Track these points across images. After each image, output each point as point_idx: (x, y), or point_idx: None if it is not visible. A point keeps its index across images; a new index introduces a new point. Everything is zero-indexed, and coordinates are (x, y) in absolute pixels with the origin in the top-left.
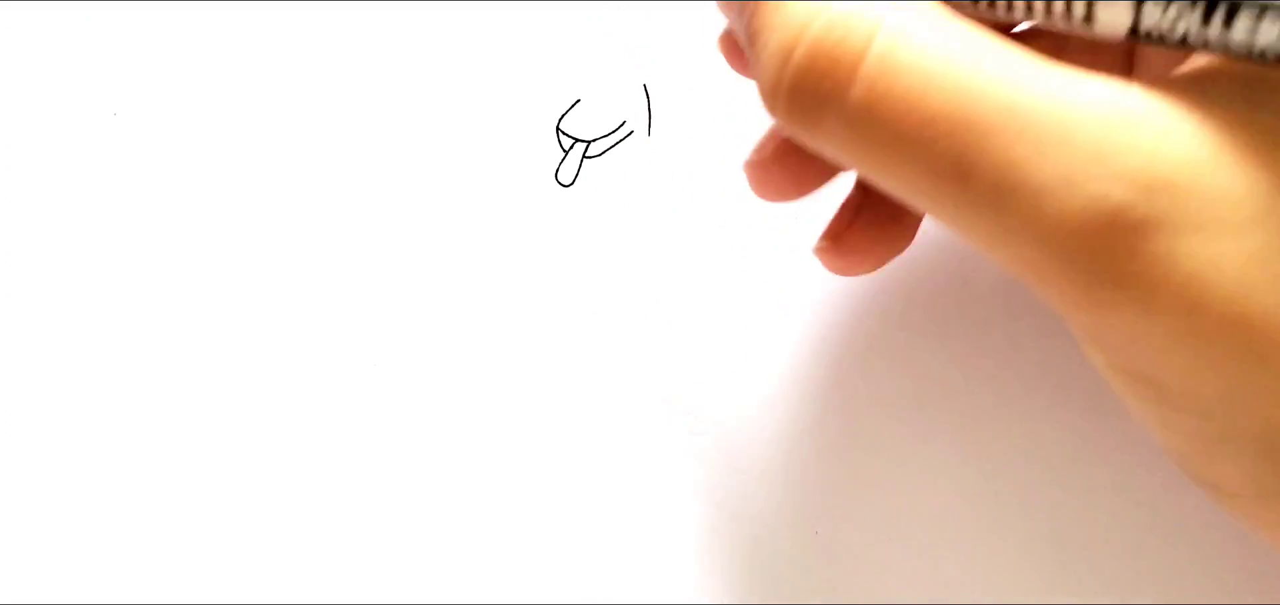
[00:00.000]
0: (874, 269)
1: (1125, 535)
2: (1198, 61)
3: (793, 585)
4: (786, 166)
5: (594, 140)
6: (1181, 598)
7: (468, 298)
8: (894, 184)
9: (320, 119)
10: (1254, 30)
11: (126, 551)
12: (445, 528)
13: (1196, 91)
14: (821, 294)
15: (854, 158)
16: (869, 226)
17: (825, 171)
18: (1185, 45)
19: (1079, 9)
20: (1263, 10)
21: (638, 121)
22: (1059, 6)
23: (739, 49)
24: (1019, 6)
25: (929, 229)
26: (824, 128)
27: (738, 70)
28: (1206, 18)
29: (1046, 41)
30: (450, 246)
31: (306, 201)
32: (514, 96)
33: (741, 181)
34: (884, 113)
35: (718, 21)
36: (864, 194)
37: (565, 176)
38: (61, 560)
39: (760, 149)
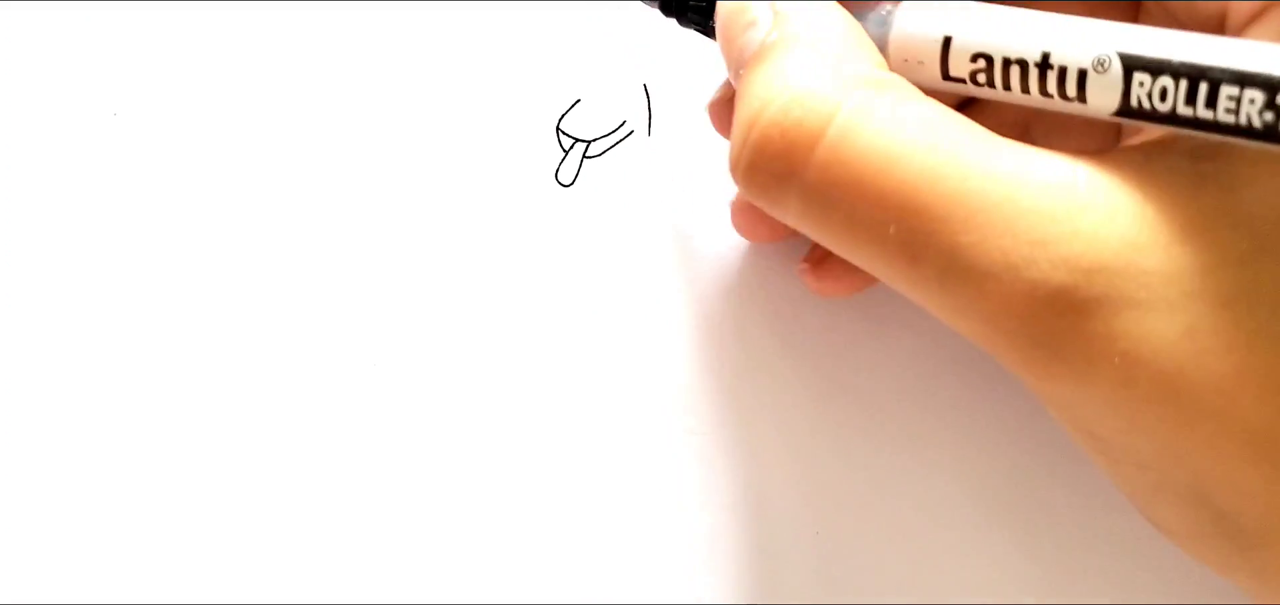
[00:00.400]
0: (853, 292)
1: (1125, 535)
2: (1153, 131)
3: (793, 585)
4: (755, 214)
5: (594, 140)
6: (1182, 598)
7: (468, 298)
8: (849, 257)
9: (320, 119)
10: (1237, 102)
11: (126, 551)
12: (445, 528)
13: (1143, 167)
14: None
15: (809, 231)
16: None
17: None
18: (1174, 120)
19: (1072, 88)
20: (1243, 83)
21: (638, 121)
22: (1053, 85)
23: (735, 212)
24: (1013, 87)
25: None
26: (781, 202)
27: (746, 235)
28: (1191, 94)
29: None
30: (450, 246)
31: (307, 201)
32: (514, 96)
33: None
34: (837, 195)
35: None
36: None
37: (565, 176)
38: (61, 560)
39: (737, 196)
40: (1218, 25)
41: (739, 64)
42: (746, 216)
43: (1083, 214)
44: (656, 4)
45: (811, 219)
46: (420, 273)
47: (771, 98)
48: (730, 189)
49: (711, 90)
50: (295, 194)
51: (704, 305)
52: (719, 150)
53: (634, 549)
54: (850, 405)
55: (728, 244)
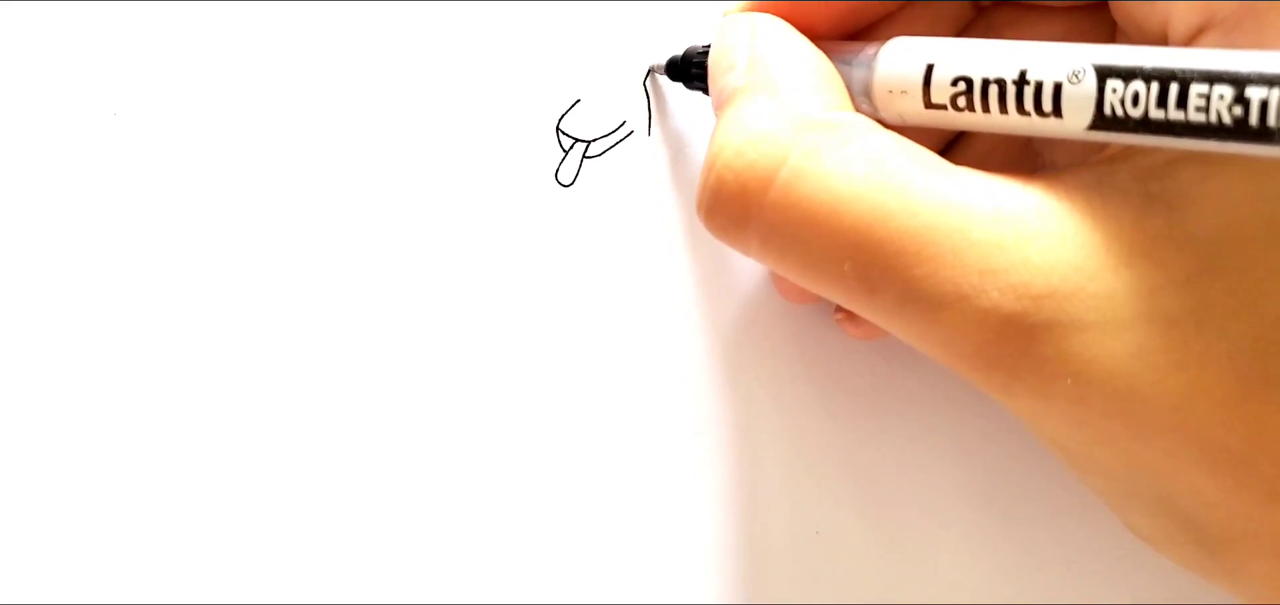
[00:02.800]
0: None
1: (1126, 536)
2: (1106, 149)
3: (793, 585)
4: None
5: (594, 140)
6: (1182, 597)
7: (468, 298)
8: (811, 289)
9: (320, 119)
10: (1207, 100)
11: (127, 551)
12: (447, 528)
13: (1093, 189)
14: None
15: (771, 267)
16: None
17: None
18: (1146, 126)
19: (1047, 103)
20: (1212, 80)
21: (638, 121)
22: (1030, 102)
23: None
24: (992, 108)
25: None
26: (742, 241)
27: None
28: (1162, 95)
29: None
30: (450, 246)
31: (307, 202)
32: (514, 96)
33: None
34: (791, 234)
35: (717, 21)
36: None
37: (565, 176)
38: (62, 560)
39: None
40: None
41: (717, 109)
42: (784, 287)
43: (1031, 242)
44: (664, 72)
45: (771, 256)
46: (421, 273)
47: (727, 142)
48: None
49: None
50: (295, 194)
51: (704, 305)
52: None
53: (634, 549)
54: (852, 404)
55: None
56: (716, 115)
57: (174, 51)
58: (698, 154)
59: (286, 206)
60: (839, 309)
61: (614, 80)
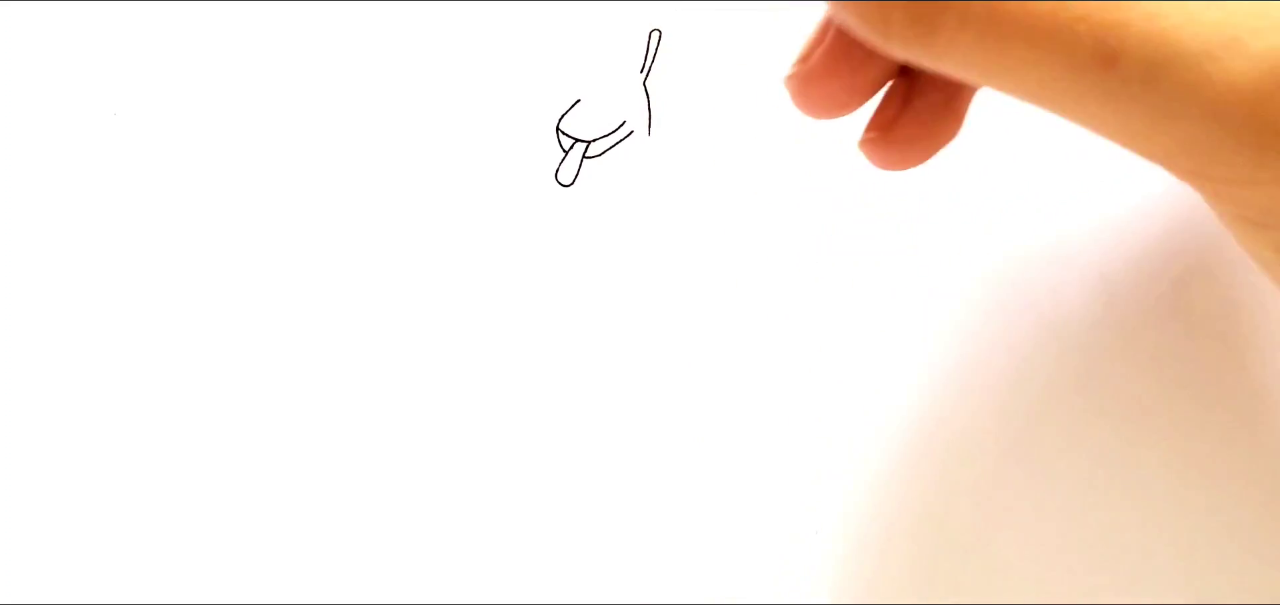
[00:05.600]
0: (923, 161)
1: (1125, 536)
2: None
3: (794, 585)
4: (837, 75)
5: (594, 140)
6: (1182, 597)
7: (468, 297)
8: (1027, 86)
9: (320, 119)
10: None
11: (127, 551)
12: (447, 528)
13: None
14: (822, 292)
15: (982, 68)
16: (919, 114)
17: (876, 80)
18: None
19: None
20: None
21: (638, 121)
22: None
23: (804, 81)
24: None
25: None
26: (943, 42)
27: (804, 108)
28: None
29: None
30: (450, 246)
31: (307, 201)
32: (514, 96)
33: (741, 180)
34: (1012, 11)
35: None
36: (912, 81)
37: (565, 176)
38: (62, 560)
39: (804, 58)
40: None
41: None
42: (818, 85)
43: None
44: None
45: (983, 53)
46: (421, 272)
47: None
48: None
49: (711, 90)
50: (295, 194)
51: (704, 305)
52: (719, 150)
53: (633, 548)
54: (851, 404)
55: (728, 244)
56: None
57: (174, 51)
58: (698, 155)
59: (287, 206)
60: (870, 128)
61: (614, 80)
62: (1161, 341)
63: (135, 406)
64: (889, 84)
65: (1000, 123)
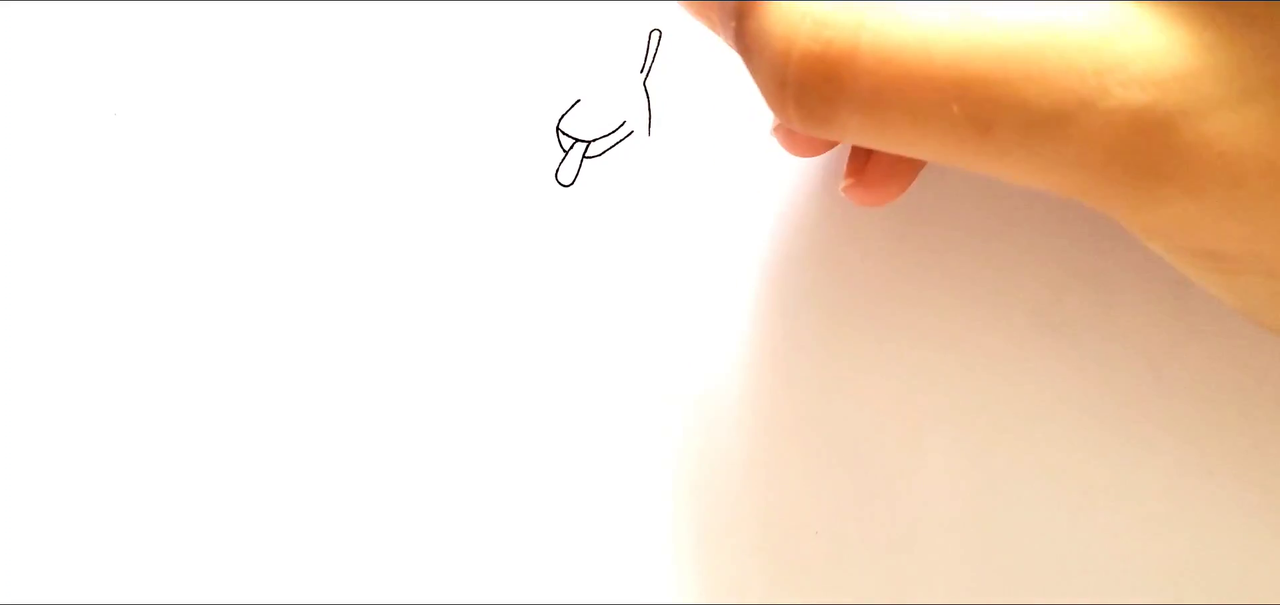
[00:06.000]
0: (901, 193)
1: (1125, 536)
2: None
3: (793, 585)
4: (797, 135)
5: (594, 140)
6: (1182, 597)
7: (468, 297)
8: (919, 152)
9: (320, 119)
10: None
11: (127, 551)
12: (446, 527)
13: None
14: (822, 294)
15: (874, 141)
16: (882, 157)
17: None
18: None
19: None
20: None
21: (638, 121)
22: None
23: (783, 135)
24: None
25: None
26: (838, 121)
27: (794, 152)
28: None
29: None
30: (450, 246)
31: (307, 201)
32: (514, 96)
33: (741, 180)
34: (892, 95)
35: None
36: None
37: (565, 176)
38: (62, 560)
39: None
40: None
41: (733, 16)
42: (793, 139)
43: (1139, 27)
44: None
45: (873, 127)
46: (421, 272)
47: (797, 29)
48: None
49: (712, 90)
50: (295, 194)
51: (704, 305)
52: (719, 150)
53: (633, 548)
54: (851, 404)
55: (727, 244)
56: (731, 25)
57: (174, 51)
58: (698, 155)
59: (287, 206)
60: (847, 174)
61: (614, 80)
62: (1162, 341)
63: (135, 406)
64: None
65: None
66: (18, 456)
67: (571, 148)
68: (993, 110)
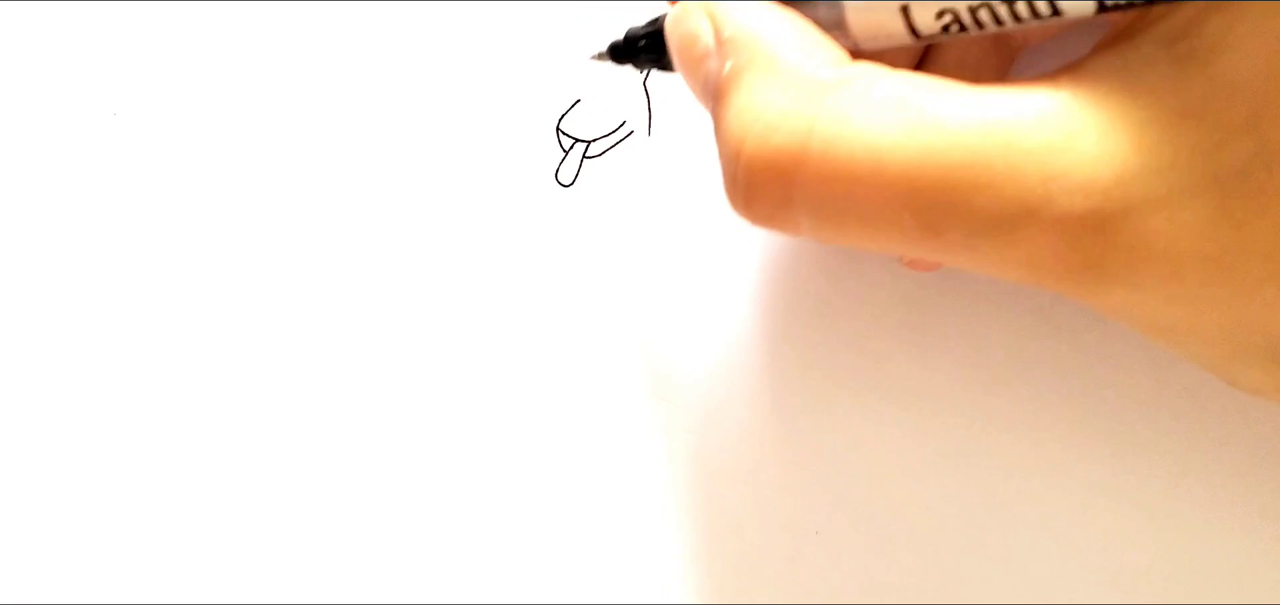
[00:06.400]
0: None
1: (1123, 535)
2: (1118, 29)
3: (793, 585)
4: None
5: (594, 140)
6: (1182, 597)
7: (468, 297)
8: (872, 248)
9: (320, 119)
10: None
11: (127, 551)
12: (446, 527)
13: (1121, 70)
14: (823, 295)
15: (826, 240)
16: None
17: None
18: None
19: (1043, 5)
20: None
21: (638, 121)
22: (1024, 9)
23: None
24: (986, 24)
25: None
26: (790, 223)
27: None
28: None
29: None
30: (450, 246)
31: (307, 201)
32: (514, 96)
33: None
34: (841, 201)
35: (666, 14)
36: None
37: (565, 176)
38: (62, 560)
39: None
40: None
41: (706, 99)
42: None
43: (1082, 136)
44: (608, 57)
45: (825, 229)
46: (421, 272)
47: (747, 129)
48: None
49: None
50: (295, 194)
51: (703, 305)
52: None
53: (633, 548)
54: (851, 404)
55: (727, 244)
56: (709, 108)
57: (174, 51)
58: (698, 154)
59: (286, 206)
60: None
61: (614, 80)
62: None
63: (135, 405)
64: None
65: None
66: (18, 456)
67: (571, 148)
68: (942, 216)
